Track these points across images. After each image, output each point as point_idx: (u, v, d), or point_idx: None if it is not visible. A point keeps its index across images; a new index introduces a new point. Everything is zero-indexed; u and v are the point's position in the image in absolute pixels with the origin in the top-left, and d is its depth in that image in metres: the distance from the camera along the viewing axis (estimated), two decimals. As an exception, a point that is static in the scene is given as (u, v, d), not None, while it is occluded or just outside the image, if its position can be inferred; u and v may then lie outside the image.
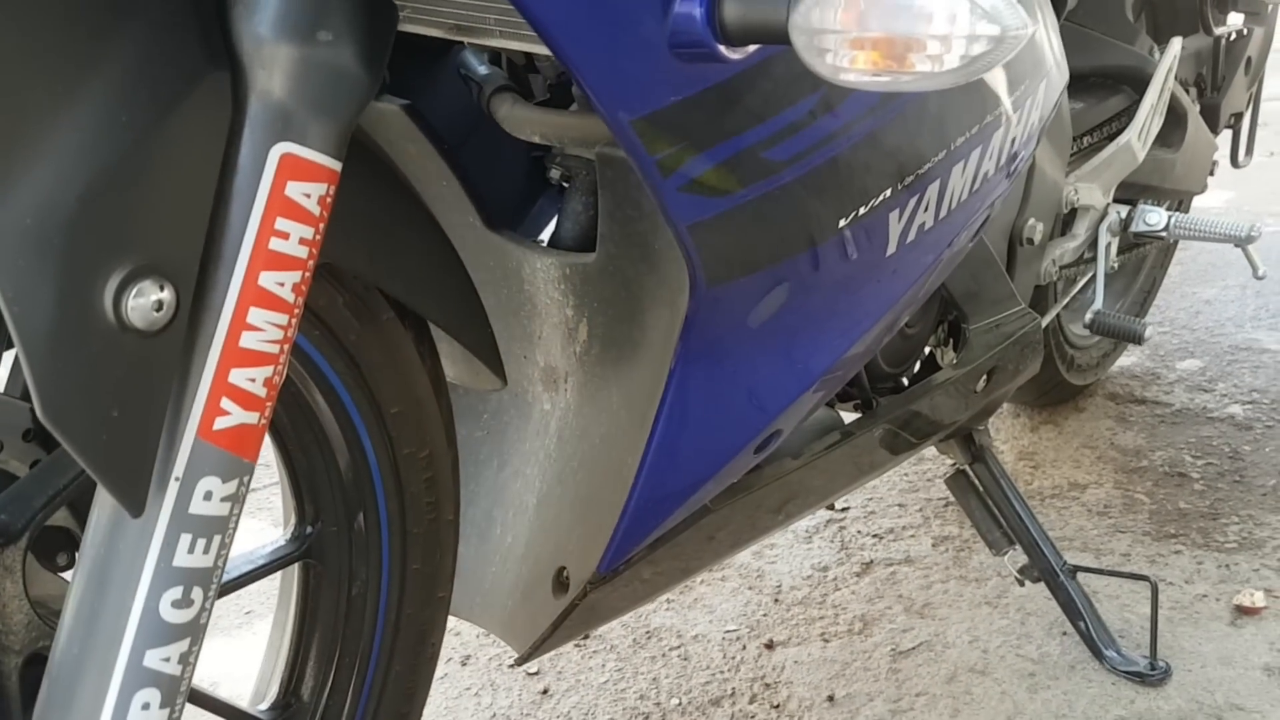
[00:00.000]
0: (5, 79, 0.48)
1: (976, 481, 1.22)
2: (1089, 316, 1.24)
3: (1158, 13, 1.59)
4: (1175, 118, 1.42)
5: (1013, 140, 0.91)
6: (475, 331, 0.84)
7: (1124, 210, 1.31)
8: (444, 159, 0.81)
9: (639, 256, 0.80)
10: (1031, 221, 1.19)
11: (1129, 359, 1.88)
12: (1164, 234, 1.29)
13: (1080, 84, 1.33)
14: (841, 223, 0.79)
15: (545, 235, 0.91)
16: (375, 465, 0.80)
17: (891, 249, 0.86)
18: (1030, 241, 1.19)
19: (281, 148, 0.55)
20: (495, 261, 0.87)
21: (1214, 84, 1.58)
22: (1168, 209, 1.66)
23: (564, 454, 0.93)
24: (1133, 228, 1.31)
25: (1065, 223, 1.28)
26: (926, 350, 1.14)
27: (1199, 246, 2.35)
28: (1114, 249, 1.31)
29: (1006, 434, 1.68)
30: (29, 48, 0.49)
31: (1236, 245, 1.27)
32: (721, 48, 0.57)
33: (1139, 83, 1.35)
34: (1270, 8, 1.47)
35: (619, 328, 0.86)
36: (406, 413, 0.80)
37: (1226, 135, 1.70)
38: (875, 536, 1.44)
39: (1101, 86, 1.35)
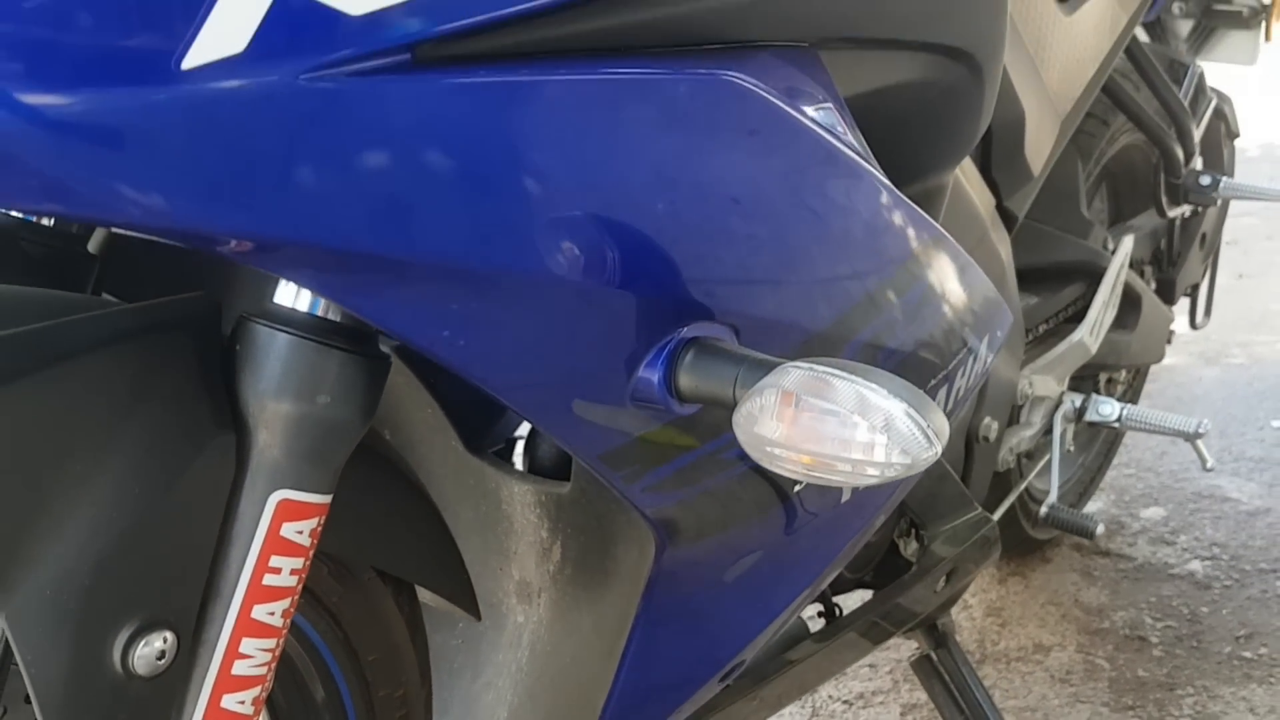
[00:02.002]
0: (29, 464, 0.54)
1: (940, 668, 1.27)
2: (1044, 511, 1.31)
3: (1118, 198, 1.68)
4: (1130, 302, 1.50)
5: (959, 390, 0.97)
6: (455, 584, 0.89)
7: (1078, 400, 1.38)
8: (428, 389, 0.87)
9: (611, 496, 0.86)
10: (988, 420, 1.25)
11: (1094, 504, 1.94)
12: (1116, 424, 1.36)
13: (1035, 277, 1.40)
14: (797, 487, 0.85)
15: (519, 454, 0.97)
16: (350, 707, 0.84)
17: (847, 495, 0.92)
18: (986, 440, 1.26)
19: (279, 495, 0.61)
20: (474, 481, 0.93)
21: (1170, 259, 1.66)
22: (1126, 377, 1.74)
23: (535, 669, 0.98)
24: (1086, 417, 1.37)
25: (1020, 410, 1.35)
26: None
27: (1167, 379, 2.43)
28: (1069, 435, 1.38)
29: (975, 587, 1.73)
30: (52, 434, 0.55)
31: (1186, 440, 1.33)
32: (675, 405, 0.63)
33: (1092, 275, 1.42)
34: (1219, 202, 1.55)
35: (591, 555, 0.92)
36: (383, 659, 0.85)
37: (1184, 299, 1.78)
38: (845, 703, 1.49)
39: (1056, 278, 1.42)
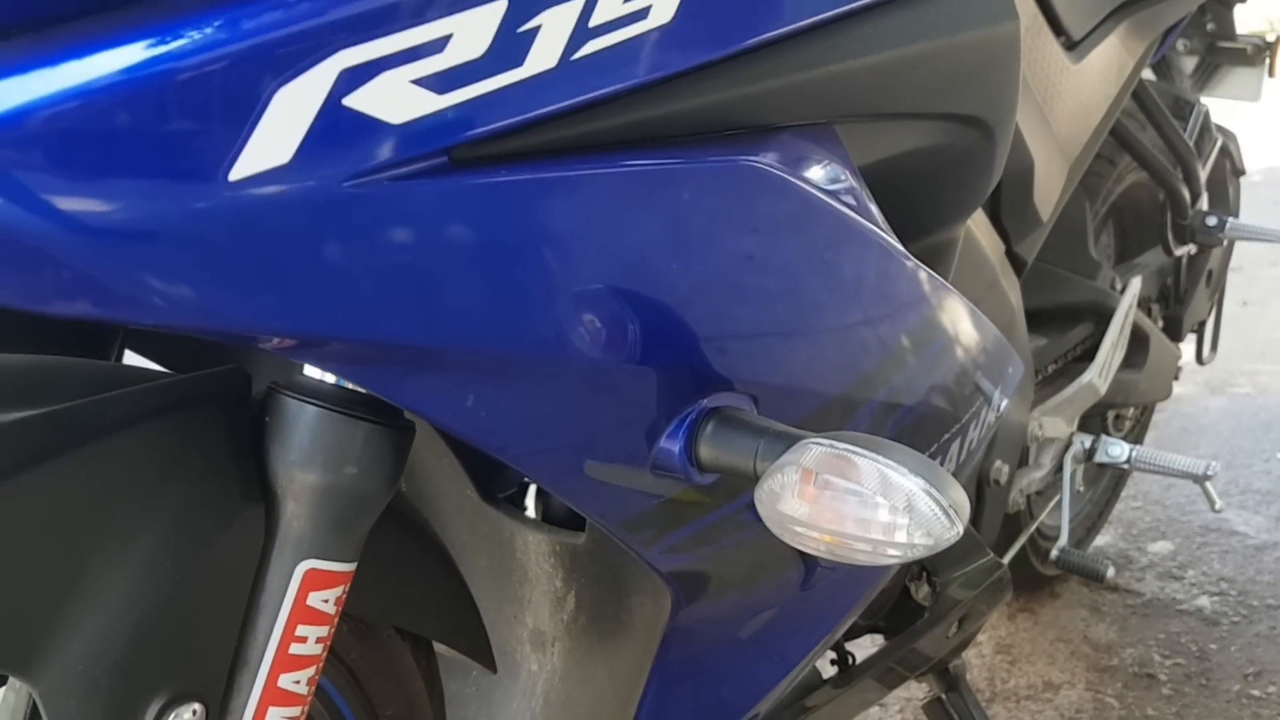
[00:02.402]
0: (65, 540, 0.55)
1: (952, 710, 1.28)
2: (1055, 554, 1.31)
3: (1124, 235, 1.69)
4: (1138, 341, 1.51)
5: (972, 441, 0.98)
6: (472, 640, 0.90)
7: (1087, 440, 1.39)
8: (442, 438, 0.88)
9: (625, 548, 0.87)
10: (998, 464, 1.26)
11: (1103, 539, 1.94)
12: (1125, 466, 1.37)
13: (1043, 317, 1.41)
14: (812, 545, 0.86)
15: (533, 500, 0.98)
16: (368, 760, 0.85)
17: (861, 547, 0.93)
18: (997, 483, 1.26)
19: (306, 565, 0.62)
20: (489, 529, 0.94)
21: (1177, 297, 1.67)
22: (1133, 414, 1.75)
23: (549, 719, 0.98)
24: (1096, 458, 1.38)
25: (1029, 451, 1.36)
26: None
27: (1173, 409, 2.44)
28: (1079, 476, 1.39)
29: (984, 624, 1.74)
30: (88, 510, 0.56)
31: (1194, 481, 1.34)
32: (695, 475, 0.64)
33: (1101, 315, 1.43)
34: (1225, 242, 1.56)
35: (605, 605, 0.93)
36: (400, 713, 0.86)
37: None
38: (855, 741, 1.49)
39: (1064, 319, 1.43)
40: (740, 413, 0.64)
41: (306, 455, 0.61)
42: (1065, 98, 1.22)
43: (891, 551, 0.53)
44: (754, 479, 0.61)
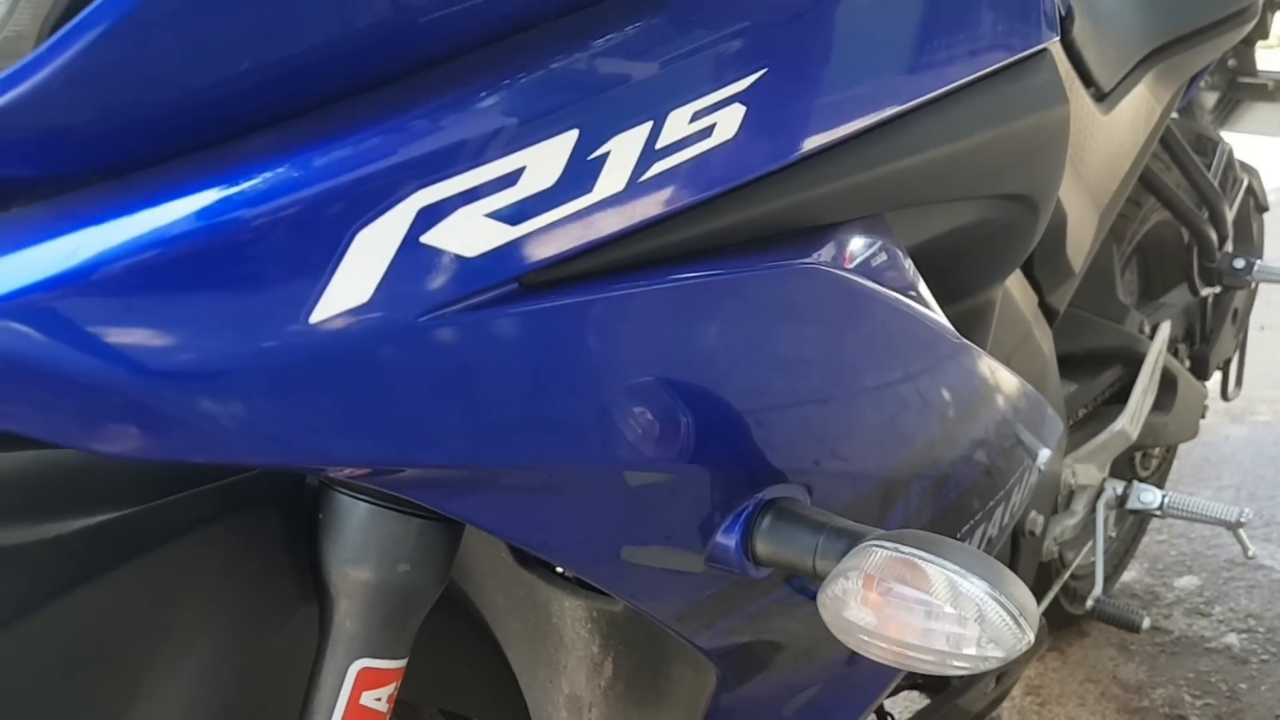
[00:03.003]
0: (125, 650, 0.55)
1: (984, 762, 1.27)
2: (1090, 604, 1.30)
3: (1149, 272, 1.68)
4: (1167, 384, 1.50)
5: (1015, 504, 0.97)
6: (512, 713, 0.90)
7: (1120, 487, 1.38)
8: None
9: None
10: (1033, 515, 1.25)
11: (1129, 574, 1.93)
12: (1158, 513, 1.36)
13: (1073, 363, 1.41)
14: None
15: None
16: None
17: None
18: (1032, 534, 1.26)
19: (360, 664, 0.62)
20: (524, 593, 0.93)
21: (1203, 335, 1.67)
22: (1160, 453, 1.74)
23: (588, 786, 0.97)
24: (1128, 504, 1.37)
25: (1062, 499, 1.35)
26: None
27: (1195, 439, 2.42)
28: (1111, 522, 1.38)
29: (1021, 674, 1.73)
30: (147, 620, 0.56)
31: (1227, 529, 1.33)
32: (752, 570, 0.64)
33: (1129, 359, 1.43)
34: (1253, 285, 1.56)
35: (644, 673, 0.92)
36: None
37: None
38: (886, 789, 1.48)
39: (1094, 364, 1.43)
40: (796, 505, 0.63)
41: (359, 552, 0.60)
42: (1096, 148, 1.21)
43: (959, 664, 0.53)
44: (813, 576, 0.61)
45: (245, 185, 0.40)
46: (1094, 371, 1.43)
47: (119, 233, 0.39)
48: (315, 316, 0.41)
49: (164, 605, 0.56)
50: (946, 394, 0.75)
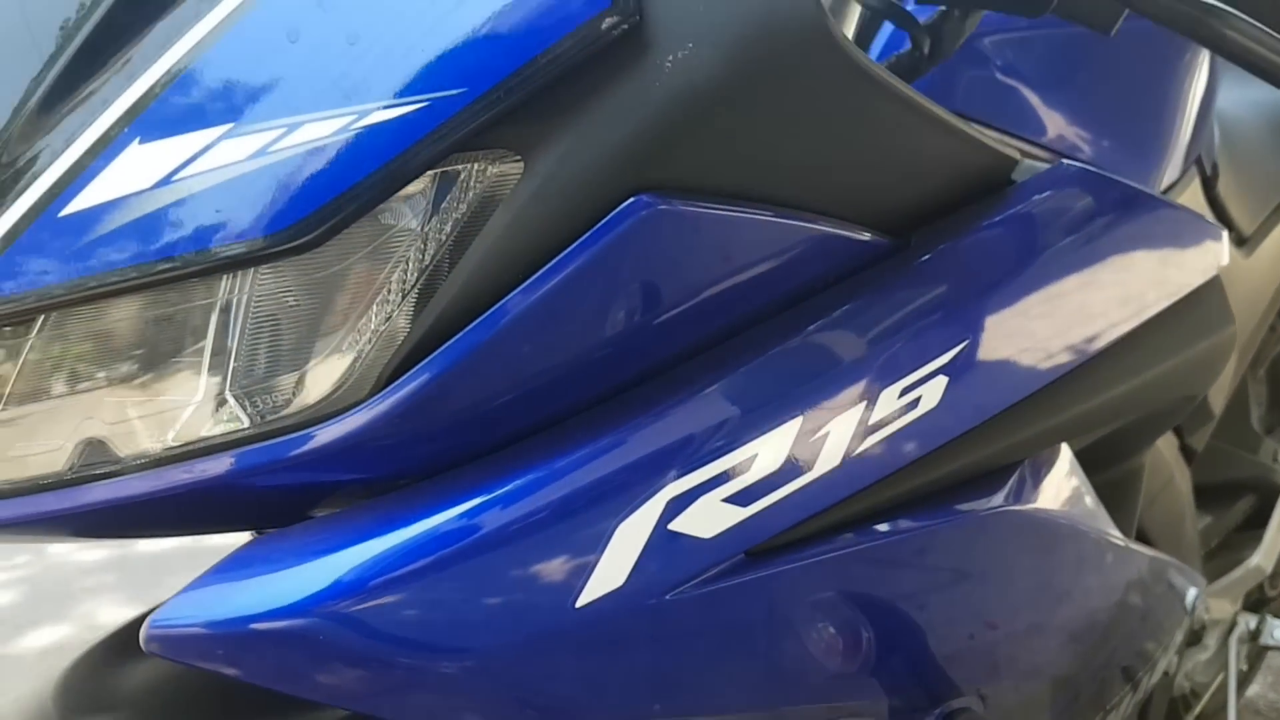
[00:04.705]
0: None
1: None
2: (1224, 747, 1.29)
3: (1275, 388, 1.66)
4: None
5: (1169, 665, 0.98)
6: None
7: (1253, 621, 1.36)
8: None
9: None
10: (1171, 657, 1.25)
11: (1254, 688, 1.89)
12: (1295, 650, 1.34)
13: (1206, 494, 1.40)
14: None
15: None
16: None
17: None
18: (1166, 674, 1.25)
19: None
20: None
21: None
22: None
23: None
24: (1261, 640, 1.35)
25: (1194, 635, 1.34)
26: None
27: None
28: (1243, 656, 1.36)
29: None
30: None
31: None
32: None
33: (1262, 489, 1.41)
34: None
35: None
36: None
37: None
38: None
39: (1226, 495, 1.42)
40: (973, 717, 0.66)
41: None
42: (1237, 292, 1.21)
43: None
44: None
45: (526, 488, 0.46)
46: (1227, 502, 1.42)
47: (424, 531, 0.45)
48: (580, 601, 0.46)
49: None
50: (1114, 594, 0.77)
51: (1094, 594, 0.73)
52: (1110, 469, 0.90)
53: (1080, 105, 0.89)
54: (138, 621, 0.70)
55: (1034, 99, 0.85)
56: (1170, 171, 0.97)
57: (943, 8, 0.66)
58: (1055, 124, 0.86)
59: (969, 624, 0.62)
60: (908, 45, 0.71)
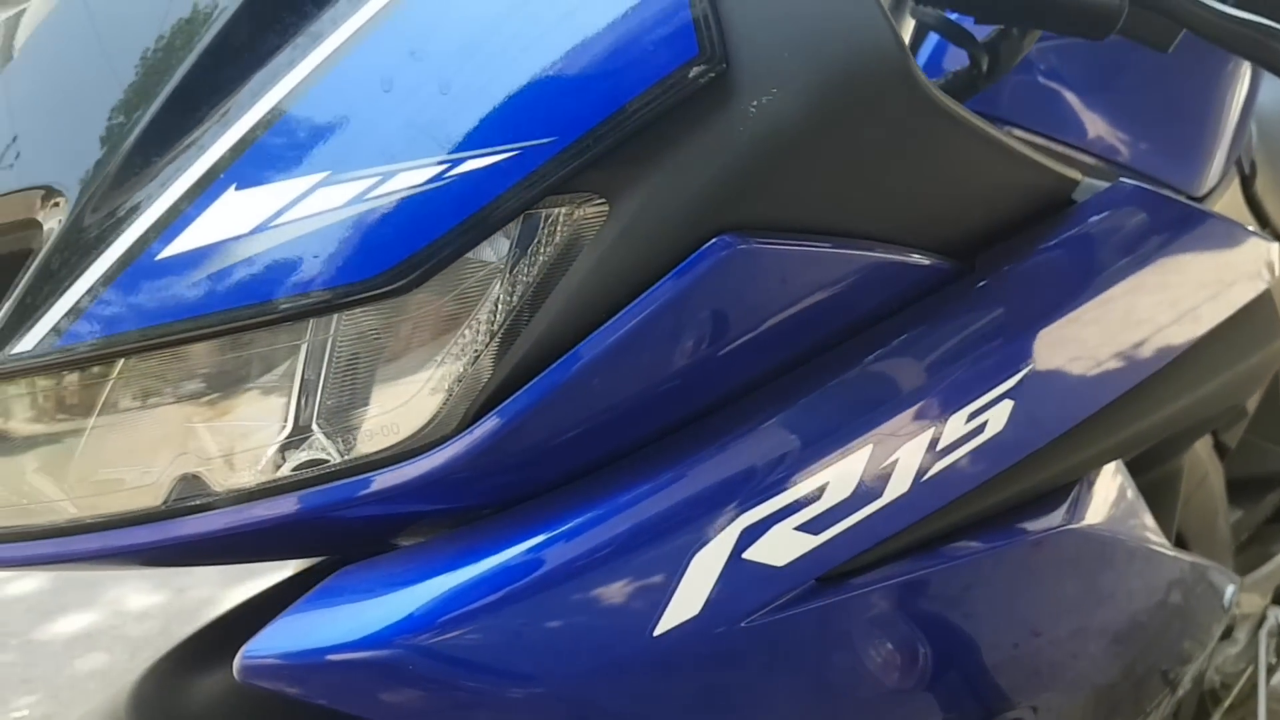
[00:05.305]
0: None
1: None
2: (1254, 740, 1.30)
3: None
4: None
5: (1204, 664, 0.99)
6: None
7: (1283, 614, 1.37)
8: None
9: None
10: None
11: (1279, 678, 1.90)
12: (1325, 645, 1.35)
13: (1236, 488, 1.41)
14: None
15: None
16: None
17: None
18: (1199, 670, 1.26)
19: None
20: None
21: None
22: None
23: None
24: (1293, 633, 1.36)
25: (1225, 629, 1.35)
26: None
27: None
28: (1272, 649, 1.37)
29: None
30: None
31: (1399, 666, 1.31)
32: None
33: (1294, 482, 1.42)
34: None
35: None
36: None
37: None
38: None
39: (1257, 488, 1.42)
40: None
41: None
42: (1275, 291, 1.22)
43: None
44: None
45: (602, 518, 0.47)
46: (1257, 497, 1.42)
47: (503, 562, 0.46)
48: (658, 630, 0.47)
49: None
50: (1156, 598, 0.78)
51: (1138, 600, 0.74)
52: (1150, 471, 0.90)
53: (1123, 109, 0.89)
54: (204, 633, 0.72)
55: (1077, 104, 0.86)
56: (1212, 175, 0.97)
57: (1001, 26, 0.66)
58: (1098, 128, 0.86)
59: (1022, 638, 0.63)
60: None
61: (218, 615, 0.74)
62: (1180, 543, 1.08)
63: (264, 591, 0.75)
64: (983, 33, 0.69)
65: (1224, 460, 1.26)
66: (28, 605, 2.38)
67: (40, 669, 2.13)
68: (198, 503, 0.46)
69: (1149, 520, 0.74)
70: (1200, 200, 0.83)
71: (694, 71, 0.43)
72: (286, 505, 0.46)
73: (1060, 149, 0.81)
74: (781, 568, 0.50)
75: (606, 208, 0.45)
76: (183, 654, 0.68)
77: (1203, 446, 1.19)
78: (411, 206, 0.42)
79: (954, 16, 0.69)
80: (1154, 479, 0.92)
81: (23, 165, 0.49)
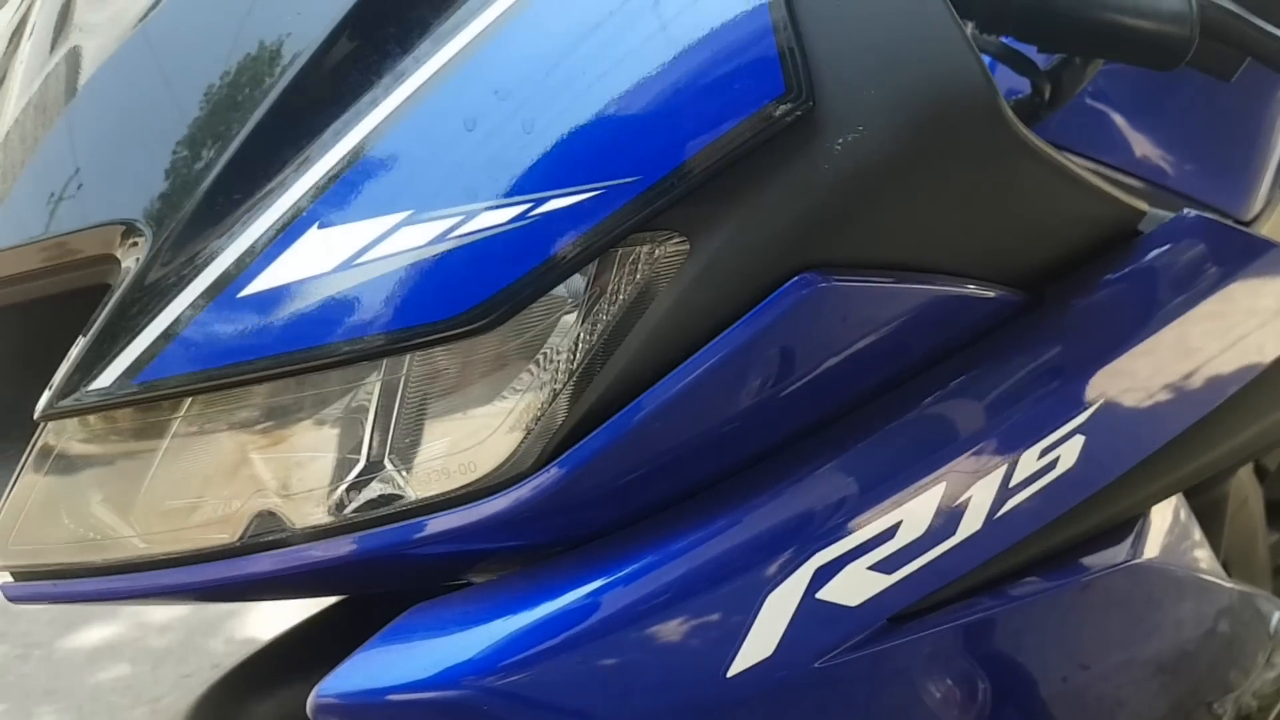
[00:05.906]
0: None
1: None
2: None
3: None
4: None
5: (1249, 688, 0.98)
6: None
7: (1323, 639, 1.35)
8: None
9: None
10: (1235, 674, 1.25)
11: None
12: (1365, 670, 1.33)
13: (1274, 510, 1.39)
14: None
15: None
16: None
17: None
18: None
19: None
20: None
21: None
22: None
23: None
24: (1332, 658, 1.35)
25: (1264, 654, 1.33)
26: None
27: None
28: (1313, 674, 1.36)
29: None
30: None
31: None
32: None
33: (1334, 504, 1.40)
34: None
35: None
36: None
37: None
38: None
39: (1296, 509, 1.41)
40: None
41: None
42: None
43: None
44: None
45: (675, 556, 0.47)
46: (1296, 517, 1.41)
47: (574, 601, 0.46)
48: (732, 670, 0.46)
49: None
50: (1205, 627, 0.77)
51: (1188, 630, 0.73)
52: (1198, 497, 0.90)
53: (1170, 132, 0.88)
54: (256, 658, 0.72)
55: (1124, 126, 0.85)
56: (1260, 199, 0.97)
57: (1064, 55, 0.65)
58: (1145, 150, 0.86)
59: (1080, 672, 0.62)
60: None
61: (268, 640, 0.74)
62: (1222, 567, 1.07)
63: (311, 618, 0.74)
64: (1044, 59, 0.68)
65: (1263, 483, 1.25)
66: (50, 616, 2.39)
67: (64, 680, 2.14)
68: (272, 539, 0.46)
69: (1206, 552, 0.73)
70: (1248, 225, 0.82)
71: (780, 110, 0.43)
72: (359, 542, 0.46)
73: (1110, 173, 0.80)
74: (854, 608, 0.49)
75: (687, 246, 0.45)
76: (235, 681, 0.68)
77: (1244, 469, 1.18)
78: (493, 246, 0.42)
79: (1013, 42, 0.69)
80: (1201, 504, 0.92)
81: (86, 198, 0.49)
